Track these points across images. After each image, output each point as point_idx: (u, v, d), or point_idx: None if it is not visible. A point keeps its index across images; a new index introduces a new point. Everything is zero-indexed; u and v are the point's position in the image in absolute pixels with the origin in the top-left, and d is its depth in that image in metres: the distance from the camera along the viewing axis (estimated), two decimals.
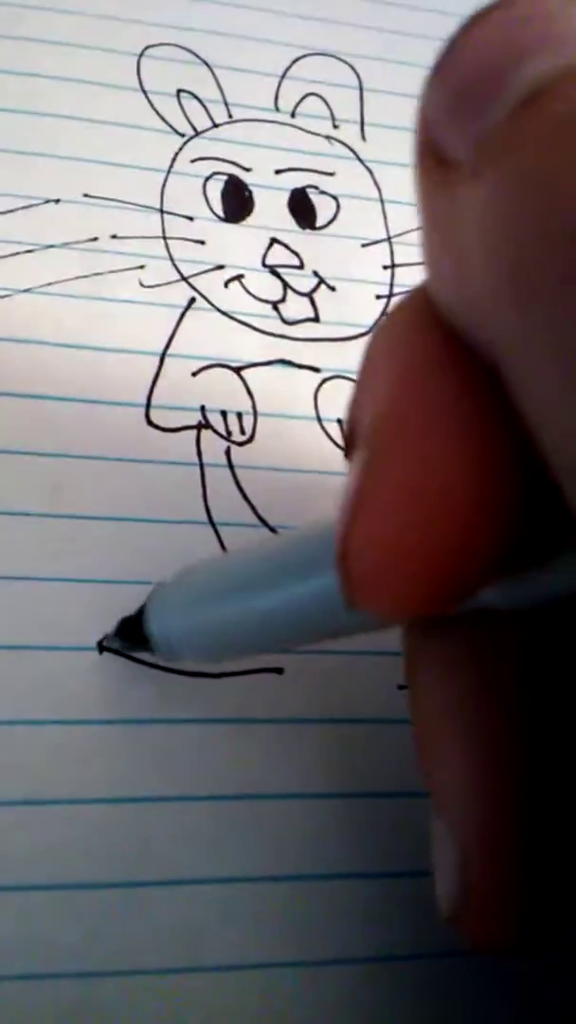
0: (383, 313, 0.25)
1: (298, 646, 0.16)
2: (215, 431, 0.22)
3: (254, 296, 0.24)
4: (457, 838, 0.13)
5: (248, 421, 0.22)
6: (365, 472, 0.11)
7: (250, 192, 0.25)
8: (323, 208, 0.26)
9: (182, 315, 0.23)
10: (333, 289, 0.25)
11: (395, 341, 0.12)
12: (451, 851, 0.13)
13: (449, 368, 0.11)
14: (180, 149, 0.25)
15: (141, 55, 0.26)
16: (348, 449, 0.13)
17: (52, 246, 0.23)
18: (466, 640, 0.13)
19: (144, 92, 0.26)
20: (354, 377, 0.23)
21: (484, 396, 0.10)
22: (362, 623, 0.14)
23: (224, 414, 0.22)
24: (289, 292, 0.24)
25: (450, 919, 0.13)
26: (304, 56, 0.28)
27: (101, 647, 0.19)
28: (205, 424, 0.22)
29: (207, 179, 0.25)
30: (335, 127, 0.27)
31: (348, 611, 0.13)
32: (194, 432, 0.22)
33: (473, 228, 0.09)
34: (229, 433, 0.22)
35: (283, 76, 0.27)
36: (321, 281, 0.25)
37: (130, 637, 0.18)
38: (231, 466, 0.22)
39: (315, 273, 0.25)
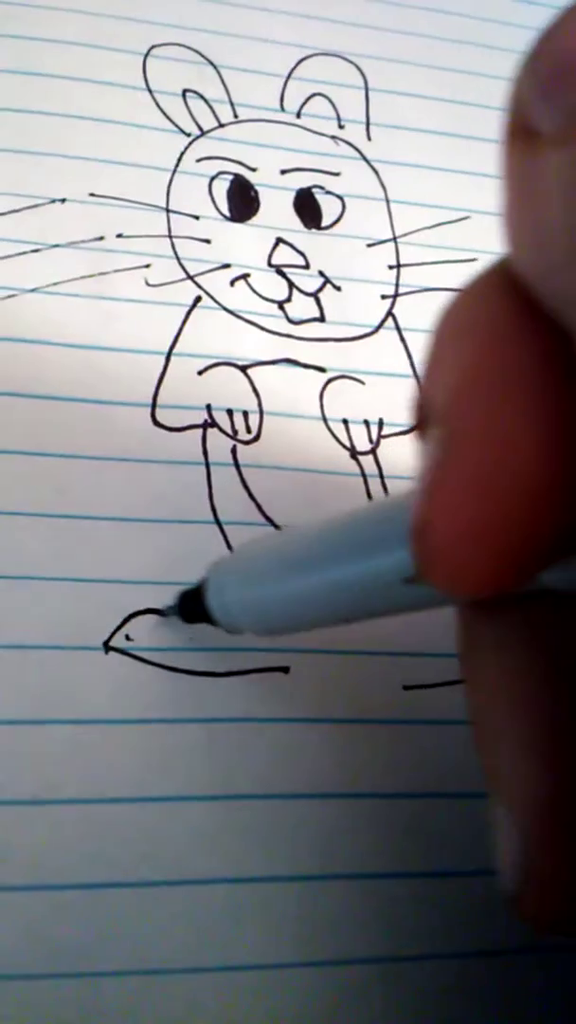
0: (389, 313, 0.25)
1: (357, 621, 0.17)
2: (221, 430, 0.22)
3: (260, 295, 0.24)
4: (518, 820, 0.13)
5: (254, 420, 0.22)
6: (443, 449, 0.11)
7: (256, 192, 0.25)
8: (329, 208, 0.26)
9: (188, 314, 0.23)
10: (339, 289, 0.25)
11: (470, 317, 0.12)
12: (512, 833, 0.13)
13: (527, 344, 0.11)
14: (186, 149, 0.25)
15: (147, 55, 0.26)
16: (420, 425, 0.13)
17: (58, 245, 0.23)
18: (524, 619, 0.13)
19: (150, 92, 0.26)
20: (359, 377, 0.24)
21: (564, 373, 0.10)
22: (423, 600, 0.14)
23: (230, 413, 0.22)
24: (295, 291, 0.24)
25: (513, 902, 0.13)
26: (309, 56, 0.28)
27: (107, 646, 0.19)
28: (211, 423, 0.22)
29: (213, 178, 0.25)
30: (340, 127, 0.27)
31: (409, 587, 0.13)
32: (200, 431, 0.22)
33: (556, 191, 0.10)
34: (235, 432, 0.22)
35: (288, 76, 0.27)
36: (327, 281, 0.25)
37: (189, 610, 0.19)
38: (237, 465, 0.22)
39: (321, 273, 0.25)
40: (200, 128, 0.26)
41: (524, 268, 0.11)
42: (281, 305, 0.24)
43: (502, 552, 0.11)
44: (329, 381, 0.23)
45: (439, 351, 0.12)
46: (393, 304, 0.25)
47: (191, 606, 0.19)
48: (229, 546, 0.21)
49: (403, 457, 0.23)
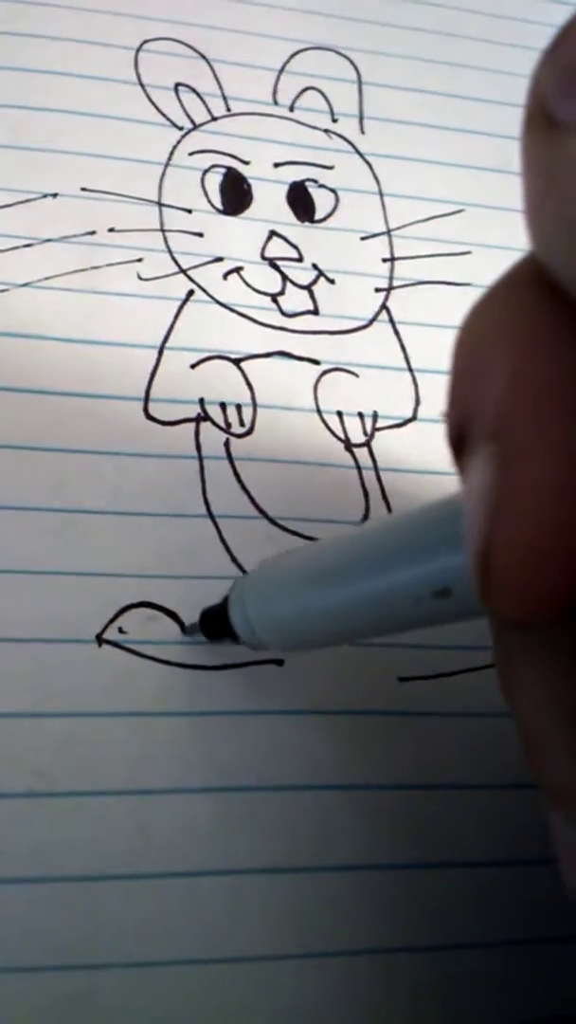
0: (382, 306, 0.25)
1: (383, 635, 0.17)
2: (214, 423, 0.22)
3: (253, 288, 0.24)
4: None
5: (247, 413, 0.22)
6: (500, 466, 0.10)
7: (249, 185, 0.25)
8: (322, 201, 0.26)
9: (180, 308, 0.23)
10: (332, 282, 0.25)
11: (503, 319, 0.11)
12: (572, 837, 0.13)
13: (570, 343, 0.10)
14: (178, 142, 0.25)
15: (139, 49, 0.26)
16: (460, 442, 0.12)
17: (50, 240, 0.23)
18: (565, 623, 0.13)
19: (142, 86, 0.26)
20: (353, 370, 0.24)
21: None
22: (455, 613, 0.14)
23: (223, 406, 0.22)
24: (288, 285, 0.24)
25: None
26: (303, 50, 0.28)
27: (100, 639, 0.19)
28: (204, 417, 0.22)
29: (205, 172, 0.25)
30: (334, 121, 0.27)
31: (441, 601, 0.13)
32: (193, 425, 0.22)
33: None
34: (228, 425, 0.22)
35: (281, 70, 0.27)
36: (320, 274, 0.25)
37: (212, 627, 0.18)
38: (230, 458, 0.22)
39: (314, 266, 0.25)
40: (192, 122, 0.26)
41: (550, 261, 0.11)
42: (274, 298, 0.24)
43: (572, 572, 0.10)
44: (323, 374, 0.23)
45: (473, 360, 0.11)
46: (387, 297, 0.25)
47: (214, 623, 0.18)
48: (223, 539, 0.21)
49: (397, 449, 0.23)
